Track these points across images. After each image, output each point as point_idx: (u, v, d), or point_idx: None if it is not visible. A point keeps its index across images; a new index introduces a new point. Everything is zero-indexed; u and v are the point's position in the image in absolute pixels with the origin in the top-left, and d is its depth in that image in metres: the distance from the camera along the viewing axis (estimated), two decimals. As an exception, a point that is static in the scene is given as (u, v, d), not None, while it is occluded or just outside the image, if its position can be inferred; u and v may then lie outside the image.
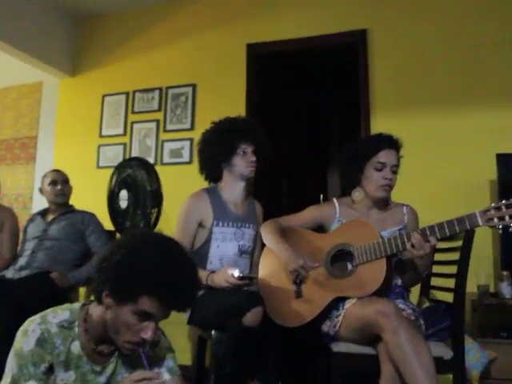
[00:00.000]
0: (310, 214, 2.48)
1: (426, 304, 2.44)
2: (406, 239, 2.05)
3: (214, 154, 2.53)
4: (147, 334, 1.38)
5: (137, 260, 1.35)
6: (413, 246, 2.00)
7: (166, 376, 1.52)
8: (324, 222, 2.43)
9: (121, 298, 1.36)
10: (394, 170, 2.28)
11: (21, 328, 1.44)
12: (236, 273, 2.24)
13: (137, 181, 3.06)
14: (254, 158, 2.54)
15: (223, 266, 2.47)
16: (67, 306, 1.54)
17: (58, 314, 1.48)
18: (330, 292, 2.16)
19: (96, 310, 1.46)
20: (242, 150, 2.53)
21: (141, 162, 3.18)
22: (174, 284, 1.36)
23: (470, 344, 2.59)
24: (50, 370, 1.43)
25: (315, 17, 3.77)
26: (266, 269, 2.44)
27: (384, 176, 2.25)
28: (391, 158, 2.27)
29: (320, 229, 2.45)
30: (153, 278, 1.33)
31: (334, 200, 2.46)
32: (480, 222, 1.92)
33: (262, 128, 2.63)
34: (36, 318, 1.45)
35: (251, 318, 2.11)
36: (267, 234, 2.42)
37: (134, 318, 1.36)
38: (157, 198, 3.09)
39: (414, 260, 2.06)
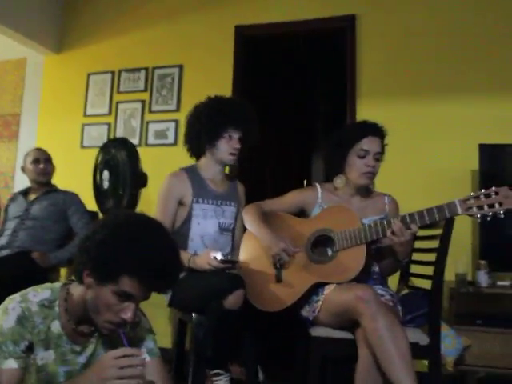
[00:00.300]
0: (292, 198, 2.48)
1: (405, 291, 2.47)
2: (386, 226, 2.07)
3: (200, 130, 2.51)
4: (127, 315, 1.38)
5: (119, 240, 1.36)
6: (393, 232, 2.02)
7: (146, 357, 1.54)
8: (305, 206, 2.44)
9: (102, 278, 1.37)
10: (377, 157, 2.28)
11: (0, 306, 1.43)
12: (219, 256, 2.25)
13: (118, 162, 3.03)
14: (238, 146, 2.53)
15: (204, 243, 2.48)
16: (48, 285, 1.54)
17: (39, 293, 1.48)
18: (310, 277, 2.17)
19: (77, 290, 1.46)
20: (228, 135, 2.51)
21: (121, 143, 3.14)
22: (156, 265, 1.36)
23: (445, 331, 2.64)
24: (30, 348, 1.43)
25: (305, 0, 3.75)
26: (247, 253, 2.45)
27: (366, 163, 2.26)
28: (374, 145, 2.28)
29: (302, 213, 2.46)
30: (134, 259, 1.33)
31: (317, 185, 2.46)
32: (459, 211, 1.95)
33: (254, 115, 2.59)
34: (16, 296, 1.45)
35: (233, 300, 2.12)
36: (249, 218, 2.42)
37: (115, 299, 1.36)
38: (138, 180, 3.06)
39: (394, 247, 2.08)
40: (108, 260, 1.35)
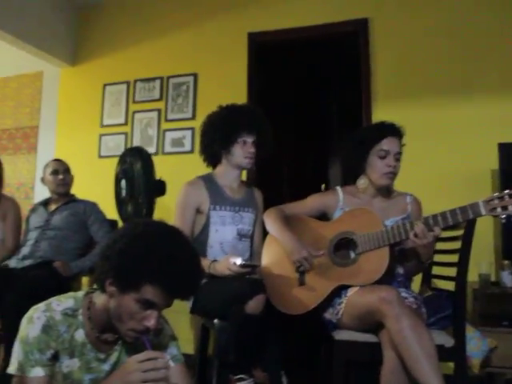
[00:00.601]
0: (313, 201, 2.48)
1: (428, 293, 2.45)
2: (409, 228, 2.05)
3: (214, 139, 2.54)
4: (150, 322, 1.39)
5: (139, 249, 1.36)
6: (416, 235, 2.00)
7: (170, 362, 1.54)
8: (327, 209, 2.43)
9: (124, 287, 1.37)
10: (398, 157, 2.28)
11: (26, 315, 1.45)
12: (238, 261, 2.25)
13: (133, 171, 3.06)
14: (253, 150, 2.54)
15: (224, 250, 2.49)
16: (71, 294, 1.55)
17: (62, 302, 1.49)
18: (333, 280, 2.17)
19: (99, 299, 1.47)
20: (242, 140, 2.52)
21: (136, 152, 3.16)
22: (177, 273, 1.36)
23: (471, 333, 2.60)
24: (55, 357, 1.44)
25: (317, 6, 3.76)
26: (270, 256, 2.44)
27: (387, 164, 2.25)
28: (394, 145, 2.28)
29: (323, 217, 2.46)
30: (155, 267, 1.34)
31: (338, 188, 2.46)
32: (483, 212, 1.93)
33: (267, 121, 2.61)
34: (40, 305, 1.46)
35: (254, 305, 2.12)
36: (270, 222, 2.42)
37: (137, 307, 1.37)
38: (153, 188, 3.08)
39: (417, 249, 2.07)
40: (129, 269, 1.35)
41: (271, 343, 2.33)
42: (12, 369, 1.40)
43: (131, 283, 1.36)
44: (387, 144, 2.27)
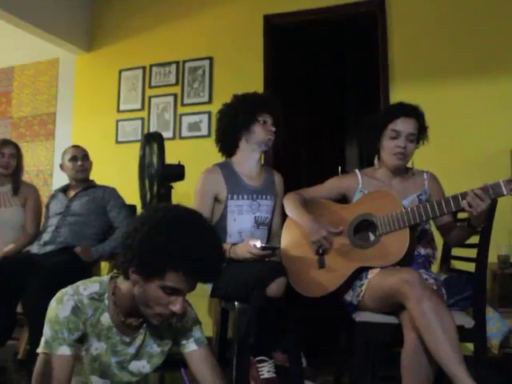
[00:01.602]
0: (332, 184, 2.49)
1: (447, 274, 2.44)
2: (431, 208, 2.04)
3: (235, 121, 2.55)
4: (176, 307, 1.41)
5: (160, 236, 1.36)
6: (470, 205, 1.95)
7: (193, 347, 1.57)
8: (347, 192, 2.43)
9: (147, 275, 1.39)
10: (411, 138, 2.26)
11: (54, 297, 1.47)
12: (258, 243, 2.27)
13: (144, 156, 3.07)
14: (273, 128, 2.57)
15: (242, 238, 2.50)
16: (96, 278, 1.58)
17: (89, 286, 1.52)
18: (353, 262, 2.17)
19: (124, 284, 1.49)
20: (262, 119, 2.56)
21: (148, 137, 3.16)
22: (199, 258, 1.36)
23: (490, 314, 2.60)
24: (81, 339, 1.48)
25: (333, -14, 3.72)
26: (289, 239, 2.45)
27: (397, 144, 2.25)
28: (407, 125, 2.26)
29: (343, 200, 2.46)
30: (177, 254, 1.34)
31: (356, 171, 2.46)
32: (504, 192, 1.92)
33: (282, 108, 2.67)
34: (68, 289, 1.49)
35: (275, 288, 2.13)
36: (290, 206, 2.42)
37: (162, 293, 1.39)
38: (167, 172, 3.07)
39: (470, 218, 2.03)
40: (151, 257, 1.36)
41: (291, 325, 2.35)
42: (40, 348, 1.43)
43: (154, 271, 1.37)
44: (400, 124, 2.26)
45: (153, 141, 3.08)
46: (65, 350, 1.42)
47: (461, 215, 2.33)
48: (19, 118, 4.71)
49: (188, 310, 1.65)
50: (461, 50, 3.35)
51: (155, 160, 2.99)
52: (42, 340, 1.44)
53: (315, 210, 2.37)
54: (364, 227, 2.25)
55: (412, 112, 2.29)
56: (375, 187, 2.34)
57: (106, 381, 1.56)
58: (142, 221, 1.43)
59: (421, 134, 2.31)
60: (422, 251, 2.28)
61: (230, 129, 2.59)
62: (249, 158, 2.62)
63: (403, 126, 2.25)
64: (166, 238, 1.35)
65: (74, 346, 1.44)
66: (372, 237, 2.21)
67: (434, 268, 2.45)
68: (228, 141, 2.64)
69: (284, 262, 2.37)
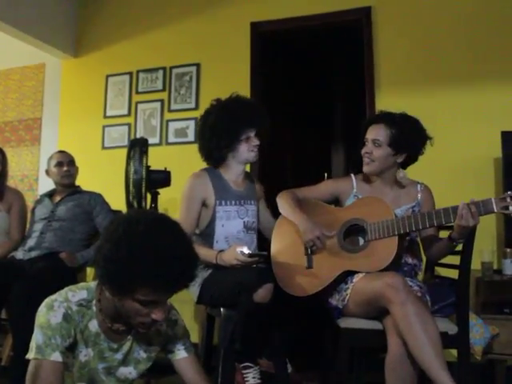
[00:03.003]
0: (326, 186, 2.52)
1: (432, 281, 2.47)
2: (422, 219, 2.07)
3: (218, 145, 2.51)
4: (157, 315, 1.41)
5: (121, 254, 1.32)
6: (462, 216, 1.98)
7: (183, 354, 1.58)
8: (340, 195, 2.46)
9: (117, 292, 1.39)
10: (377, 143, 2.29)
11: (44, 304, 1.47)
12: (245, 250, 2.27)
13: (128, 163, 3.06)
14: (257, 142, 2.55)
15: (229, 244, 2.50)
16: (83, 285, 1.57)
17: (77, 293, 1.51)
18: (340, 265, 2.19)
19: (108, 293, 1.48)
20: (245, 136, 2.53)
21: (133, 144, 3.16)
22: (166, 271, 1.33)
23: (473, 320, 2.63)
24: (72, 346, 1.47)
25: (319, -6, 3.75)
26: (280, 238, 2.46)
27: (364, 150, 2.33)
28: (373, 131, 2.33)
29: (335, 203, 2.49)
30: (140, 271, 1.31)
31: (352, 175, 2.49)
32: (495, 209, 1.96)
33: (262, 107, 2.64)
34: (56, 296, 1.49)
35: (262, 294, 2.14)
36: (283, 204, 2.44)
37: (139, 305, 1.38)
38: (150, 179, 3.08)
39: (457, 229, 2.04)
40: (117, 276, 1.34)
41: (276, 332, 2.36)
42: (31, 354, 1.42)
43: (123, 289, 1.36)
44: (369, 132, 2.34)
45: (138, 147, 3.08)
46: (57, 357, 1.41)
47: (442, 233, 2.35)
48: (4, 122, 4.67)
49: (179, 319, 1.67)
50: (446, 58, 3.39)
51: (141, 166, 3.00)
52: (33, 346, 1.42)
53: (308, 210, 2.38)
54: (354, 231, 2.28)
55: (380, 119, 2.35)
56: (369, 193, 2.37)
57: (92, 388, 1.56)
58: (106, 237, 1.39)
59: (400, 140, 2.28)
60: (409, 260, 2.31)
61: (216, 152, 2.55)
62: (235, 169, 2.62)
63: (370, 132, 2.33)
64: (127, 257, 1.32)
65: (64, 354, 1.44)
66: (361, 241, 2.23)
67: (419, 276, 2.47)
68: (213, 160, 2.61)
69: (273, 260, 2.38)
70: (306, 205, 2.44)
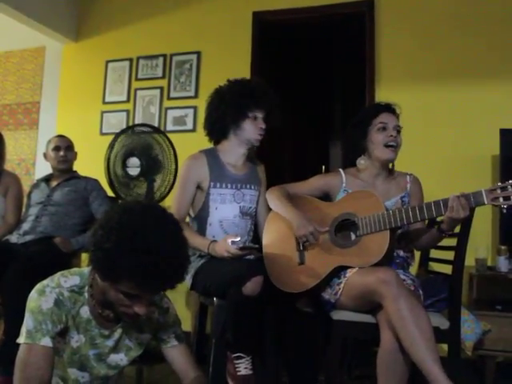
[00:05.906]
0: (316, 181, 2.49)
1: (425, 276, 2.48)
2: (413, 212, 2.05)
3: (224, 114, 2.50)
4: (139, 309, 1.39)
5: (111, 244, 1.31)
6: (451, 209, 1.97)
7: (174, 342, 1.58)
8: (330, 190, 2.44)
9: (103, 278, 1.38)
10: (398, 129, 2.30)
11: (35, 289, 1.46)
12: (237, 240, 2.25)
13: (150, 147, 3.05)
14: (263, 126, 2.53)
15: (223, 228, 2.49)
16: (76, 270, 1.56)
17: (69, 279, 1.51)
18: (333, 260, 2.18)
19: (98, 278, 1.48)
20: (253, 115, 2.50)
21: (151, 129, 3.16)
22: (151, 273, 1.30)
23: (465, 316, 2.64)
24: (62, 333, 1.47)
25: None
26: (271, 234, 2.45)
27: (388, 134, 2.28)
28: (392, 119, 2.31)
29: (325, 198, 2.46)
30: (128, 266, 1.29)
31: (340, 170, 2.46)
32: (485, 201, 1.93)
33: (275, 95, 2.59)
34: (48, 281, 1.48)
35: (251, 287, 2.11)
36: (274, 200, 2.41)
37: (123, 296, 1.37)
38: (163, 165, 3.09)
39: (447, 221, 2.04)
40: (105, 264, 1.34)
41: (268, 323, 2.36)
42: (21, 338, 1.41)
43: (108, 276, 1.36)
44: (384, 117, 2.30)
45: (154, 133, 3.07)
46: (47, 342, 1.40)
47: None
48: (3, 105, 4.65)
49: (170, 307, 1.67)
50: (444, 54, 3.38)
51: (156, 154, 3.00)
52: (23, 330, 1.42)
53: (299, 206, 2.36)
54: (346, 226, 2.26)
55: (392, 109, 2.35)
56: (359, 187, 2.35)
57: (84, 374, 1.55)
58: (101, 223, 1.37)
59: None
60: (401, 253, 2.30)
61: (219, 122, 2.54)
62: (235, 150, 2.58)
63: (388, 118, 2.30)
64: (115, 248, 1.30)
65: (55, 339, 1.43)
66: (353, 236, 2.22)
67: (413, 271, 2.47)
68: (215, 131, 2.60)
69: (264, 256, 2.37)
70: (297, 200, 2.42)
